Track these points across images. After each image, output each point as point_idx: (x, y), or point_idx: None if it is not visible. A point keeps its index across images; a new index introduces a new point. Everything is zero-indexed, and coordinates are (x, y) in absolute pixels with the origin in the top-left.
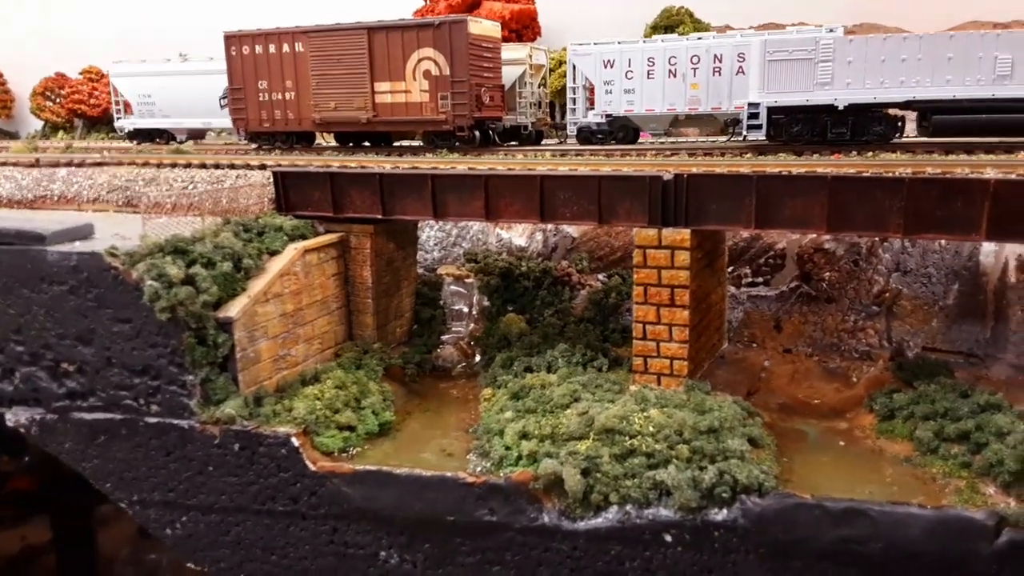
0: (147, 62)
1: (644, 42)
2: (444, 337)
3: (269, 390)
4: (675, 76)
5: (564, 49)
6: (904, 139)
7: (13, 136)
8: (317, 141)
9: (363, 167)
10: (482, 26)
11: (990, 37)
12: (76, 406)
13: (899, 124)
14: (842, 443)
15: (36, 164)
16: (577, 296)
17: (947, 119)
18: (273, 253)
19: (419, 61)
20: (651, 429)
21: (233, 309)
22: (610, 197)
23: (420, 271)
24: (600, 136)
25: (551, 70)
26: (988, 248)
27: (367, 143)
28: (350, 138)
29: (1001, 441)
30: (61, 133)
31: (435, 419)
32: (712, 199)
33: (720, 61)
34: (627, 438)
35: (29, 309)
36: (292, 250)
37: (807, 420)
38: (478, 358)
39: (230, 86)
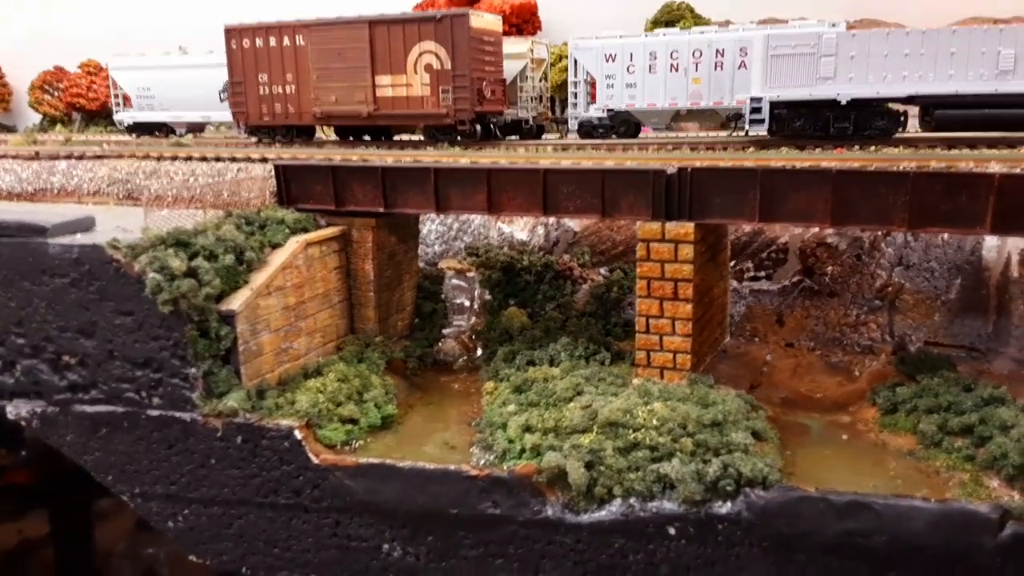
0: (147, 55)
1: (646, 36)
2: (445, 331)
3: (271, 383)
4: (677, 70)
5: (564, 44)
6: (906, 134)
7: (11, 130)
8: (317, 135)
9: (365, 160)
10: (484, 20)
11: (993, 32)
12: (78, 399)
13: (901, 119)
14: (845, 437)
15: (36, 157)
16: (579, 290)
17: (949, 114)
18: (275, 246)
19: (420, 55)
20: (655, 422)
21: (236, 302)
22: (613, 191)
23: (421, 265)
24: (601, 130)
25: (551, 64)
26: (991, 243)
27: (367, 137)
28: (350, 132)
29: (1005, 435)
30: (59, 126)
31: (437, 412)
32: (716, 193)
33: (722, 56)
34: (631, 431)
35: (30, 301)
36: (294, 243)
37: (809, 414)
38: (479, 352)
39: (230, 79)
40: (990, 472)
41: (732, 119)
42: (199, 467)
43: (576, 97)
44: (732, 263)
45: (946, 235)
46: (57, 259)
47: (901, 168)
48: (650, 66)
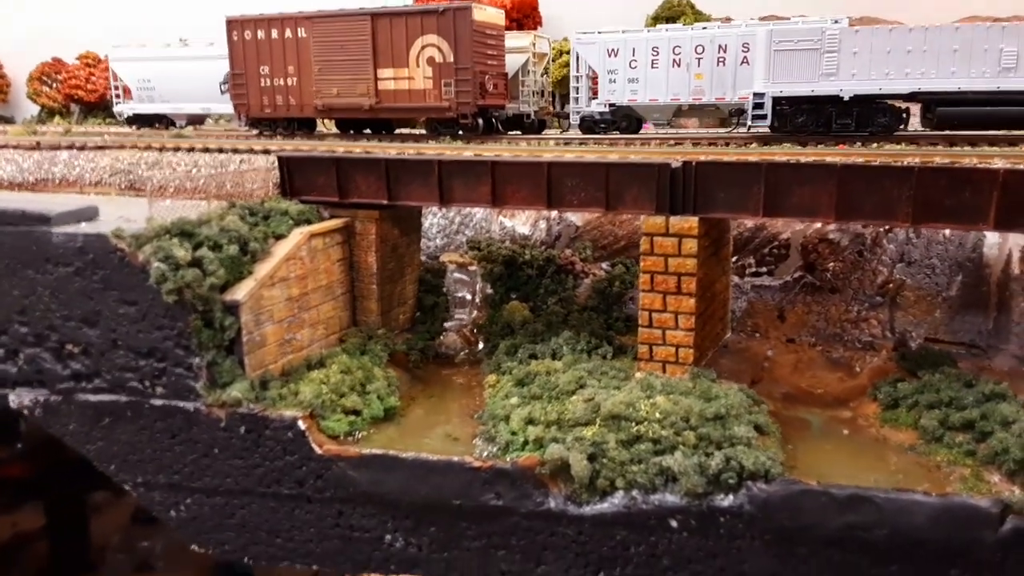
0: (147, 47)
1: (649, 31)
2: (447, 324)
3: (275, 374)
4: (679, 66)
5: (565, 39)
6: (908, 131)
7: (9, 121)
8: (318, 128)
9: (368, 153)
10: (486, 13)
11: (995, 29)
12: (81, 388)
13: (904, 116)
14: (846, 432)
15: (37, 147)
16: (581, 284)
17: (952, 111)
18: (279, 237)
19: (423, 48)
20: (657, 415)
21: (240, 292)
22: (617, 184)
23: (423, 258)
24: (603, 126)
25: (552, 60)
26: (992, 239)
27: (368, 130)
28: (351, 125)
29: (1006, 430)
30: (57, 118)
31: (439, 405)
32: (720, 187)
33: (725, 51)
34: (633, 424)
35: (34, 290)
36: (298, 234)
37: (811, 409)
38: (481, 345)
39: (231, 71)
40: (991, 467)
41: (734, 115)
42: (202, 457)
43: (578, 92)
44: (734, 259)
45: (948, 231)
46: (61, 248)
47: (905, 163)
48: (652, 61)
